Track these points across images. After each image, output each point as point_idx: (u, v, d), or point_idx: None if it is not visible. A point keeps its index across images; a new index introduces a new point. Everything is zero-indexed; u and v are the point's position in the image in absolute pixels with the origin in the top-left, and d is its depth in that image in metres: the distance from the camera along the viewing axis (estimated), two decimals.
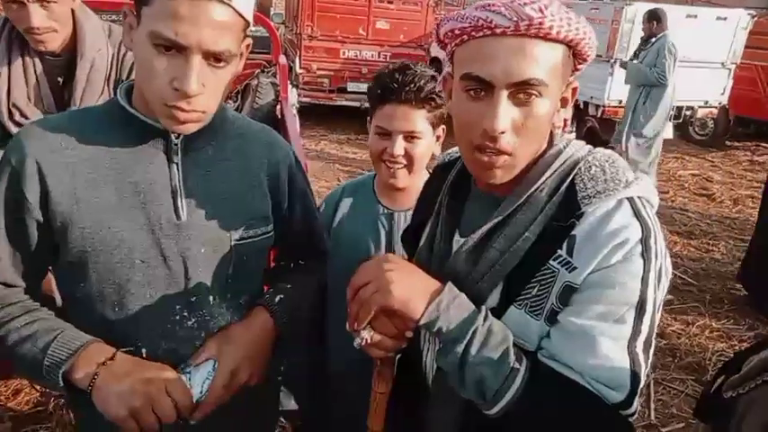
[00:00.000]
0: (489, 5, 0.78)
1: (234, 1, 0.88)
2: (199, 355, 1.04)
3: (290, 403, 1.51)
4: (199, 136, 1.01)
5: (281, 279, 1.24)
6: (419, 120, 1.31)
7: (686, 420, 2.79)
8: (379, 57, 8.00)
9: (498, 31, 0.77)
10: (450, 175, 1.01)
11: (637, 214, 0.79)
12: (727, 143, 8.54)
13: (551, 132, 0.89)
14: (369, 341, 0.88)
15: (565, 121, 0.90)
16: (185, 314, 1.04)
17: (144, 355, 1.02)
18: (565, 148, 0.87)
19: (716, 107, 7.83)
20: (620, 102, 6.53)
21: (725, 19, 7.29)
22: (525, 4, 0.76)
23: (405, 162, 1.33)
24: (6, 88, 1.61)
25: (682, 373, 3.16)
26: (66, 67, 1.66)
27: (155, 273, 1.00)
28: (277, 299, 1.15)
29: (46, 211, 0.95)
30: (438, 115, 1.34)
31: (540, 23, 0.76)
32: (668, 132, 7.48)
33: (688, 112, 7.69)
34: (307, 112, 7.78)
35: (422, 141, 1.33)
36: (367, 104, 1.42)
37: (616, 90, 6.81)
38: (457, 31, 0.81)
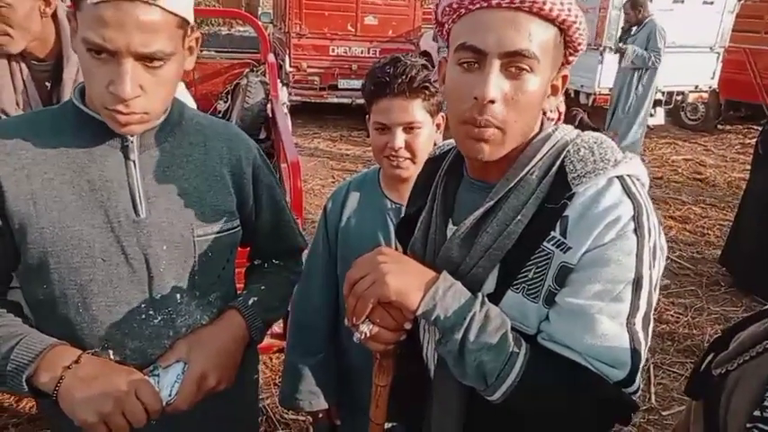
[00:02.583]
0: None
1: (160, 0, 0.86)
2: (168, 357, 1.03)
3: (319, 402, 1.50)
4: (156, 133, 1.00)
5: (254, 279, 1.24)
6: (416, 110, 1.31)
7: (687, 404, 2.80)
8: (368, 53, 7.97)
9: (494, 3, 0.78)
10: (443, 164, 1.01)
11: (627, 192, 0.79)
12: (719, 127, 8.56)
13: (542, 120, 0.89)
14: (368, 335, 0.87)
15: (559, 113, 0.89)
16: (151, 312, 1.03)
17: (111, 356, 1.00)
18: (554, 132, 0.88)
19: (706, 91, 7.85)
20: (611, 89, 6.53)
21: (712, 3, 7.30)
22: None
23: (407, 154, 1.33)
24: None
25: (681, 357, 3.18)
26: (53, 72, 1.65)
27: (117, 271, 0.99)
28: (251, 301, 1.14)
29: (3, 214, 0.94)
30: (435, 103, 1.33)
31: None
32: (660, 118, 7.51)
33: (679, 98, 7.71)
34: (298, 111, 7.77)
35: (422, 131, 1.33)
36: (358, 101, 1.42)
37: (606, 78, 6.82)
38: (454, 5, 0.82)
